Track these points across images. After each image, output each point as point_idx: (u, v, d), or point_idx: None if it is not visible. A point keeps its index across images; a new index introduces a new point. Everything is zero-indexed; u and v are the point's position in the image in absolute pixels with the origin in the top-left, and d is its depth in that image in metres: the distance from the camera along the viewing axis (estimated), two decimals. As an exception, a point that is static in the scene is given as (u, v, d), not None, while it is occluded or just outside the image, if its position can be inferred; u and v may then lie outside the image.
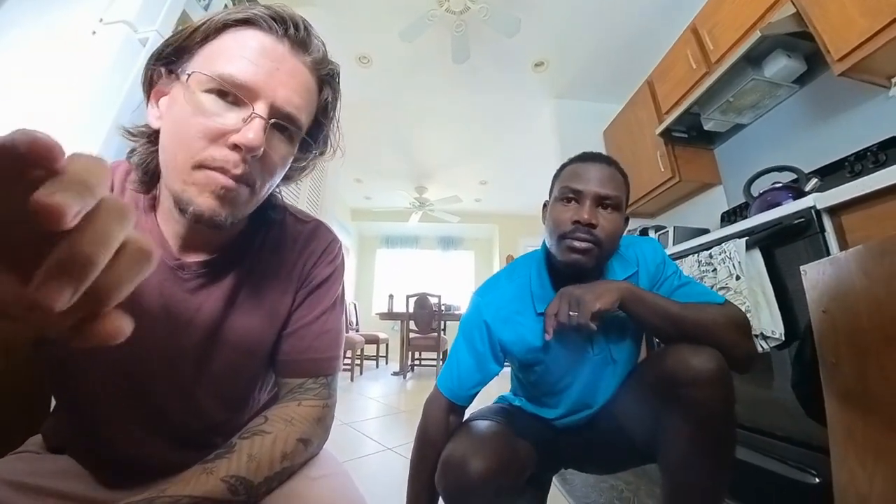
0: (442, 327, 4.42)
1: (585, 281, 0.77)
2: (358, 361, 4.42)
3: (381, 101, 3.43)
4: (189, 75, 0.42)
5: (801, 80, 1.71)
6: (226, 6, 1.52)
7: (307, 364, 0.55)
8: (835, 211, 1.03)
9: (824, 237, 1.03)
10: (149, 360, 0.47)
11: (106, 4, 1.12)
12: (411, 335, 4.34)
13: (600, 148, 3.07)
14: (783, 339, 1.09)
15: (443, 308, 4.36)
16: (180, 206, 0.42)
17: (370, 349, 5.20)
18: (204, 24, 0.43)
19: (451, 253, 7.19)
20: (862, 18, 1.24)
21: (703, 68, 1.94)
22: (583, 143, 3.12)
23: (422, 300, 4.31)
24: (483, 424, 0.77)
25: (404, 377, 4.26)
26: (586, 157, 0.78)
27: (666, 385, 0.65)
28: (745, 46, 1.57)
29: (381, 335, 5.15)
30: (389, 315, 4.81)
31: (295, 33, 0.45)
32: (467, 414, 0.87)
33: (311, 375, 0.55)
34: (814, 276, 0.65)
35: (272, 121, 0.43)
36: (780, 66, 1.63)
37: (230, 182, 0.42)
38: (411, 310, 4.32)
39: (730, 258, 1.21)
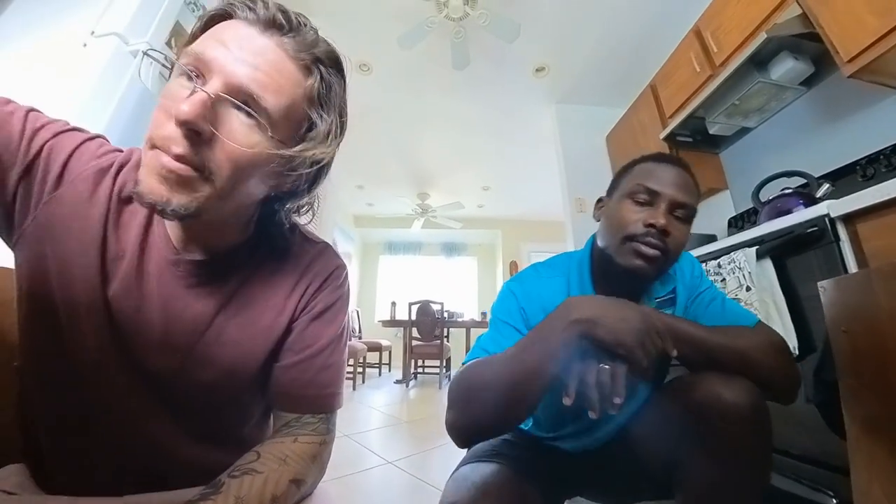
0: (445, 334, 4.38)
1: (635, 290, 0.71)
2: (360, 370, 4.39)
3: (382, 108, 3.42)
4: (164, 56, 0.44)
5: (809, 83, 1.67)
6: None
7: (308, 399, 0.52)
8: (850, 219, 0.98)
9: (839, 246, 0.98)
10: (143, 353, 0.46)
11: (97, 17, 1.10)
12: (414, 343, 4.30)
13: (603, 153, 3.03)
14: (797, 352, 1.05)
15: (446, 315, 4.32)
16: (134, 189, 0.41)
17: (373, 357, 5.17)
18: (198, 22, 0.45)
19: (454, 259, 7.15)
20: (872, 18, 1.20)
21: (707, 71, 1.90)
22: (585, 147, 3.11)
23: (424, 307, 4.28)
24: (486, 470, 0.69)
25: (407, 385, 4.21)
26: (664, 158, 0.71)
27: (693, 419, 0.57)
28: (750, 49, 1.53)
29: (384, 342, 5.12)
30: (392, 322, 4.77)
31: (265, 12, 0.42)
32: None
33: (311, 411, 0.52)
34: (833, 293, 0.61)
35: (223, 95, 0.39)
36: (786, 68, 1.59)
37: (172, 162, 0.38)
38: (414, 317, 4.28)
39: (739, 268, 1.16)
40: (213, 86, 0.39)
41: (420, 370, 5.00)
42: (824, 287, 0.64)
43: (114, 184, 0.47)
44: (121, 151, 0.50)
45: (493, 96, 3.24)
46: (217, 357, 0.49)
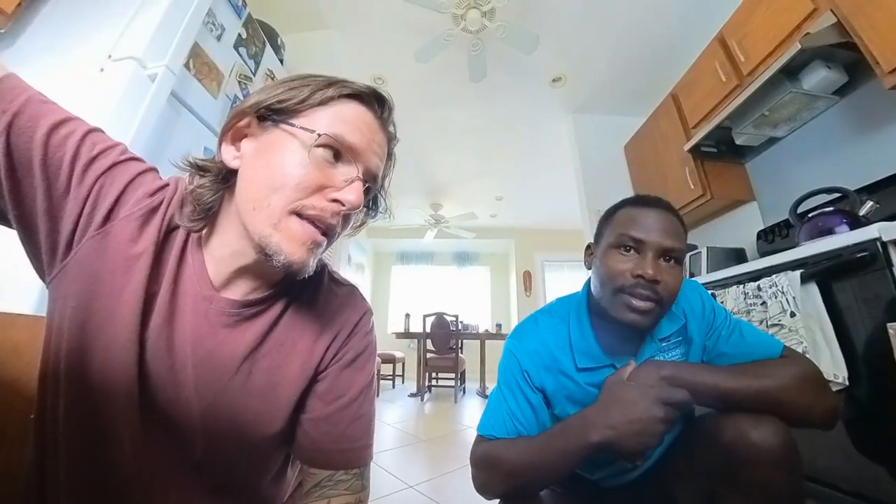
0: (459, 346, 4.32)
1: (635, 334, 0.70)
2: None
3: (396, 120, 3.38)
4: (316, 134, 0.45)
5: (842, 92, 1.60)
6: (239, 36, 1.51)
7: (340, 455, 0.49)
8: (904, 243, 0.92)
9: (892, 273, 0.91)
10: (171, 399, 0.44)
11: (115, 41, 1.09)
12: (428, 355, 4.25)
13: (621, 162, 2.97)
14: (847, 383, 0.98)
15: (460, 327, 4.26)
16: (266, 251, 0.43)
17: (386, 368, 5.12)
18: (319, 91, 0.47)
19: (466, 269, 7.09)
20: (916, 27, 1.14)
21: (733, 81, 1.84)
22: (603, 157, 3.05)
23: (439, 319, 4.23)
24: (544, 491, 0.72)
25: (422, 399, 4.15)
26: (645, 202, 0.70)
27: (721, 462, 0.57)
28: (782, 59, 1.47)
29: (398, 354, 5.08)
30: (406, 334, 4.73)
31: (388, 114, 0.53)
32: None
33: (344, 467, 0.49)
34: (910, 337, 0.55)
35: (366, 185, 0.48)
36: (819, 77, 1.52)
37: (321, 237, 0.45)
38: (428, 329, 4.23)
39: (782, 292, 1.09)
40: (360, 171, 0.47)
41: (434, 382, 4.94)
42: (893, 328, 0.58)
43: (162, 222, 0.46)
44: (168, 185, 0.49)
45: (508, 107, 3.21)
46: (242, 407, 0.46)
